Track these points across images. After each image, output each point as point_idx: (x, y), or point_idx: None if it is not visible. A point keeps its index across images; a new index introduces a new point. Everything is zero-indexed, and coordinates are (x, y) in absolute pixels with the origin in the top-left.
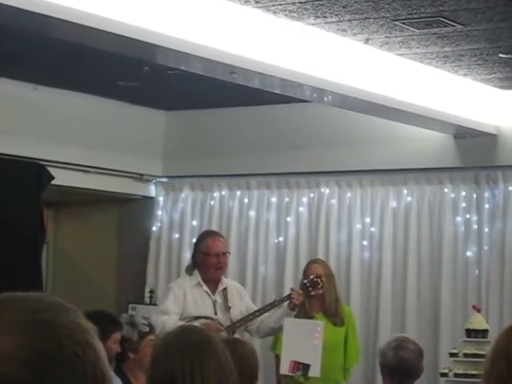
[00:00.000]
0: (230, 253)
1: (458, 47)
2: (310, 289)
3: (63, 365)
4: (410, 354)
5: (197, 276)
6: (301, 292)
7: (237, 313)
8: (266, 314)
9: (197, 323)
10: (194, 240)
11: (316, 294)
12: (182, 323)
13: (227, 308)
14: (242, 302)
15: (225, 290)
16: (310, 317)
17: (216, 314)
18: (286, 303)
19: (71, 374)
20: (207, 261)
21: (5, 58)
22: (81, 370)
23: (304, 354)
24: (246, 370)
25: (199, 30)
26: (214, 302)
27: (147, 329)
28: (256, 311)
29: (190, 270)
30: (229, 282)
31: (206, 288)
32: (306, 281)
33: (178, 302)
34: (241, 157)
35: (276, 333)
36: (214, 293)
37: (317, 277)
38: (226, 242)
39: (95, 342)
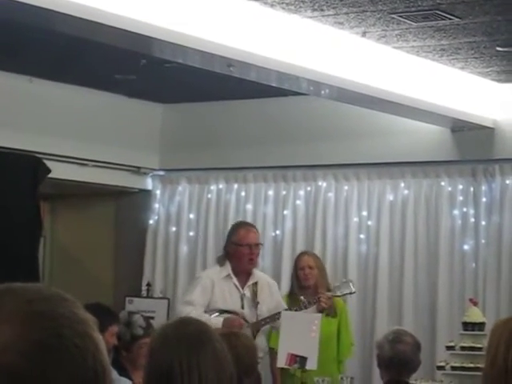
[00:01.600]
0: (262, 244)
1: (455, 40)
2: (338, 292)
3: (63, 356)
4: (406, 347)
5: (228, 267)
6: (330, 295)
7: (264, 309)
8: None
9: (222, 318)
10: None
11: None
12: (206, 316)
13: (255, 303)
14: (271, 298)
15: (255, 284)
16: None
17: (243, 308)
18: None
19: (71, 365)
20: (239, 251)
21: (0, 50)
22: (80, 362)
23: (301, 346)
24: (244, 362)
25: (196, 22)
26: (243, 296)
27: (141, 332)
28: (283, 311)
29: (221, 261)
30: (261, 275)
31: (235, 281)
32: (337, 284)
33: (205, 294)
34: (238, 150)
35: None
36: (243, 286)
37: (303, 274)
38: (258, 233)
39: (95, 333)
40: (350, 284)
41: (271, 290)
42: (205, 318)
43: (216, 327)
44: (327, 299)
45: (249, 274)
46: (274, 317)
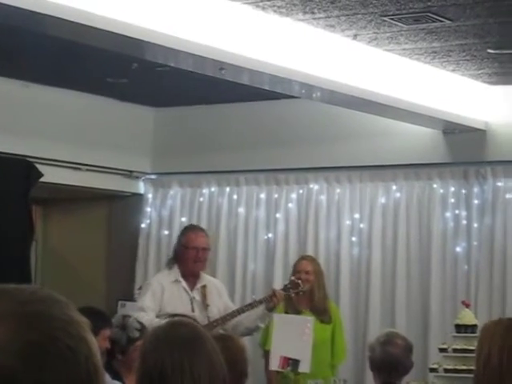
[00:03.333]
0: (210, 249)
1: (447, 43)
2: (291, 290)
3: (55, 357)
4: (397, 350)
5: (176, 271)
6: (282, 293)
7: (215, 311)
8: (244, 314)
9: None
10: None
11: (296, 295)
12: (157, 320)
13: (205, 306)
14: (220, 300)
15: (204, 287)
16: (298, 313)
17: (193, 311)
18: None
19: (63, 367)
20: (186, 254)
21: None
22: (73, 363)
23: (294, 349)
24: (236, 365)
25: (188, 26)
26: (192, 299)
27: (137, 334)
28: (234, 311)
29: (170, 264)
30: (209, 278)
31: (184, 284)
32: (287, 282)
33: (155, 299)
34: (229, 153)
35: (252, 333)
36: (192, 289)
37: (298, 278)
38: (208, 238)
39: (88, 335)
40: (299, 281)
41: (219, 292)
42: (155, 322)
43: None
44: (276, 297)
45: (197, 277)
46: (225, 318)
